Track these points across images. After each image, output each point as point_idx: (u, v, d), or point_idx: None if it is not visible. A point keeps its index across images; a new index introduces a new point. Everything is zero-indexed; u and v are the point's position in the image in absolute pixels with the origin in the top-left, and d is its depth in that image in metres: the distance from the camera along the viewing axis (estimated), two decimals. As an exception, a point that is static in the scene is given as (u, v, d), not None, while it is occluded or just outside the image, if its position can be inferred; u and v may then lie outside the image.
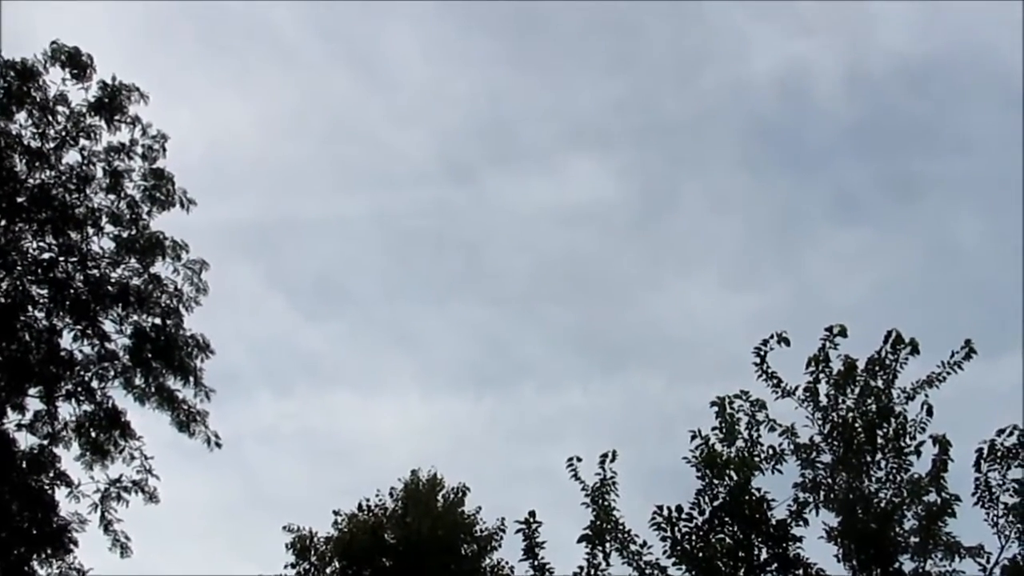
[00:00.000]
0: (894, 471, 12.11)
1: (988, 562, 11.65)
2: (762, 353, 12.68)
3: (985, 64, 41.55)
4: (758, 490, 11.94)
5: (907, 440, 12.20)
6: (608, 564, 11.80)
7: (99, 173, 18.29)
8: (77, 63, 18.00)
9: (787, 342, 12.65)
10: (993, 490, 11.82)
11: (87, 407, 18.18)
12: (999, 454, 11.83)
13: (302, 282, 43.93)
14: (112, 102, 18.13)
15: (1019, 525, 11.65)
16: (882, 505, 11.99)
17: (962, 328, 12.67)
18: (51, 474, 17.89)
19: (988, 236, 40.94)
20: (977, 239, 40.87)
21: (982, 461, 11.89)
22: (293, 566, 22.53)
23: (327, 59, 44.90)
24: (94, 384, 18.24)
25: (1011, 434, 11.81)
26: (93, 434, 18.12)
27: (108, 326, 18.26)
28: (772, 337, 12.66)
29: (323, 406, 37.76)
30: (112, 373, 18.27)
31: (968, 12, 40.09)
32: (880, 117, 43.08)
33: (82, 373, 18.17)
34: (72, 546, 17.93)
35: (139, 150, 18.42)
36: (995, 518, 11.78)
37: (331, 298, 44.28)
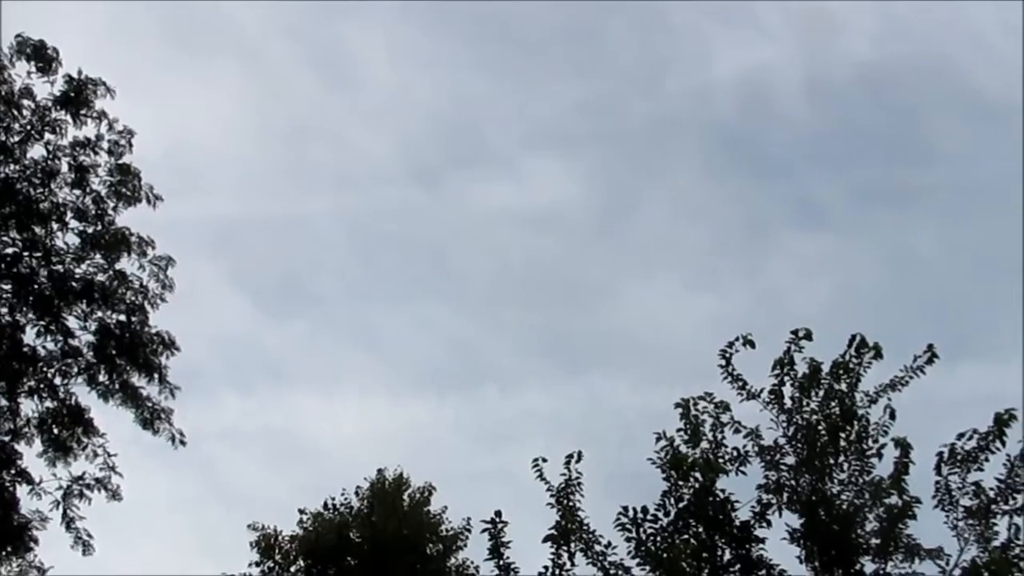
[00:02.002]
0: (856, 473, 12.23)
1: (948, 564, 11.78)
2: (728, 355, 12.76)
3: (945, 73, 42.10)
4: (722, 491, 12.05)
5: (869, 443, 12.32)
6: (573, 564, 11.86)
7: (64, 168, 18.12)
8: (43, 56, 17.81)
9: (752, 344, 12.75)
10: (953, 493, 11.95)
11: (50, 404, 18.02)
12: (959, 458, 11.97)
13: (266, 281, 43.76)
14: (78, 96, 17.96)
15: (978, 528, 11.79)
16: (844, 507, 12.10)
17: (920, 335, 12.85)
18: (12, 471, 17.71)
19: (947, 245, 41.48)
20: (936, 248, 41.39)
21: (942, 464, 12.03)
22: (258, 564, 22.47)
23: (292, 59, 44.75)
24: (57, 381, 18.08)
25: (971, 438, 11.96)
26: (56, 431, 17.96)
27: (72, 322, 18.13)
28: (737, 339, 12.75)
29: (286, 405, 37.64)
30: (76, 370, 18.11)
31: (929, 21, 40.66)
32: (842, 124, 43.56)
33: (45, 369, 18.00)
34: (33, 544, 17.80)
35: (105, 145, 18.25)
36: (955, 521, 11.92)
37: (294, 298, 44.14)
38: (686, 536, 11.90)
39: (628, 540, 11.88)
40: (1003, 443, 11.85)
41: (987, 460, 11.92)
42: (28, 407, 17.91)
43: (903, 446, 12.12)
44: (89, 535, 17.73)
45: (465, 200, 44.69)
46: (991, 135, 41.67)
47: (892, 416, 12.36)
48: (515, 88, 46.25)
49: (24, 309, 17.85)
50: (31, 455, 17.89)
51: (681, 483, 12.02)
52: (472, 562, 22.54)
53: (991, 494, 11.81)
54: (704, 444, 12.38)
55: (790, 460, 12.33)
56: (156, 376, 18.27)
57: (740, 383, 12.72)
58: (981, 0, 38.22)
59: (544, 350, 43.77)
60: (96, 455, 18.03)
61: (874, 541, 11.95)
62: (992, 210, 40.43)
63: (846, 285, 40.85)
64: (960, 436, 12.00)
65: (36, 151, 17.98)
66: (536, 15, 40.85)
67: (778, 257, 43.06)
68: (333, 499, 23.10)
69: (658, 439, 12.37)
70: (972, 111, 41.42)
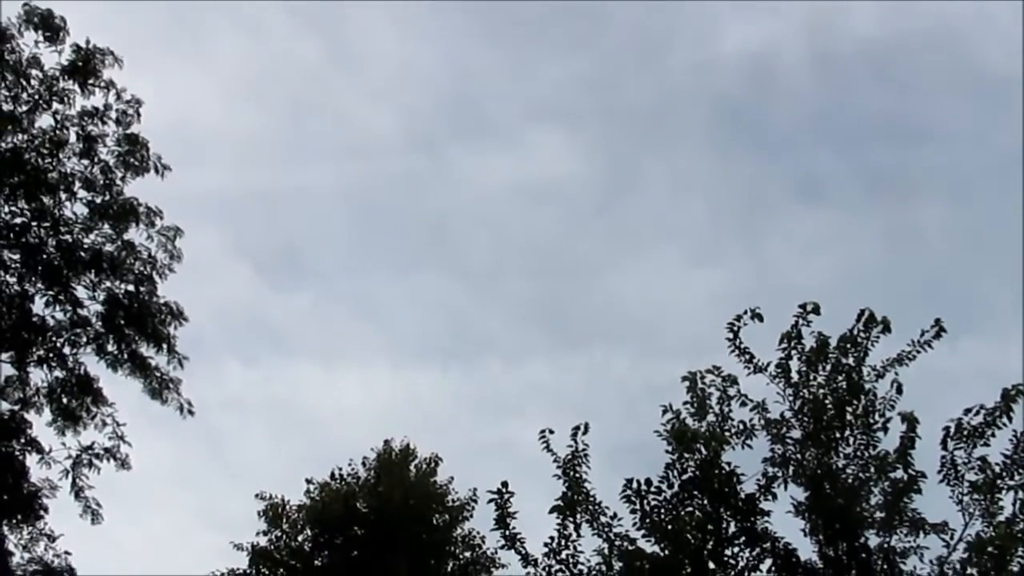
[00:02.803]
0: (862, 447, 12.24)
1: (952, 538, 11.82)
2: (735, 329, 12.77)
3: (950, 49, 41.78)
4: (728, 464, 12.08)
5: (876, 417, 12.33)
6: (579, 535, 11.91)
7: (72, 138, 18.10)
8: (50, 26, 17.75)
9: (760, 318, 12.74)
10: (959, 468, 11.96)
11: (59, 373, 18.10)
12: (965, 433, 11.98)
13: (268, 252, 43.83)
14: (86, 66, 17.90)
15: (983, 503, 11.82)
16: (849, 481, 12.13)
17: (922, 311, 12.84)
18: (22, 440, 17.82)
19: (950, 221, 41.33)
20: (939, 224, 41.24)
21: (948, 439, 12.04)
22: (265, 533, 22.63)
23: (294, 30, 44.54)
24: (66, 350, 18.15)
25: (977, 413, 11.96)
26: (65, 400, 18.05)
27: (81, 292, 18.16)
28: (745, 313, 12.76)
29: (289, 376, 37.80)
30: (84, 339, 18.17)
31: (936, -1, 40.31)
32: (846, 101, 43.32)
33: (54, 339, 18.06)
34: (42, 512, 17.92)
35: (113, 115, 18.22)
36: (960, 495, 11.93)
37: (297, 269, 44.27)
38: (691, 508, 11.95)
39: (633, 512, 11.94)
40: (1010, 419, 11.85)
41: (993, 435, 11.92)
42: (37, 376, 18.03)
43: (909, 421, 12.12)
44: (98, 504, 17.90)
45: (467, 173, 44.66)
46: (996, 112, 41.60)
47: (899, 391, 12.37)
48: (517, 61, 46.10)
49: (33, 279, 17.89)
50: (40, 424, 18.03)
51: (687, 456, 12.05)
52: (479, 532, 22.72)
53: (997, 469, 11.82)
54: (710, 417, 12.42)
55: (796, 434, 12.35)
56: (164, 346, 18.33)
57: (747, 356, 12.73)
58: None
59: (545, 323, 43.89)
60: (105, 424, 18.15)
61: (879, 515, 11.98)
62: (995, 187, 40.41)
63: (848, 261, 40.83)
64: (967, 411, 12.00)
65: (44, 121, 17.99)
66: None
67: (780, 233, 43.01)
68: (340, 469, 23.25)
69: (664, 412, 12.41)
70: (977, 88, 41.25)
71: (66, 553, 18.15)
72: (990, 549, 11.34)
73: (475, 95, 45.05)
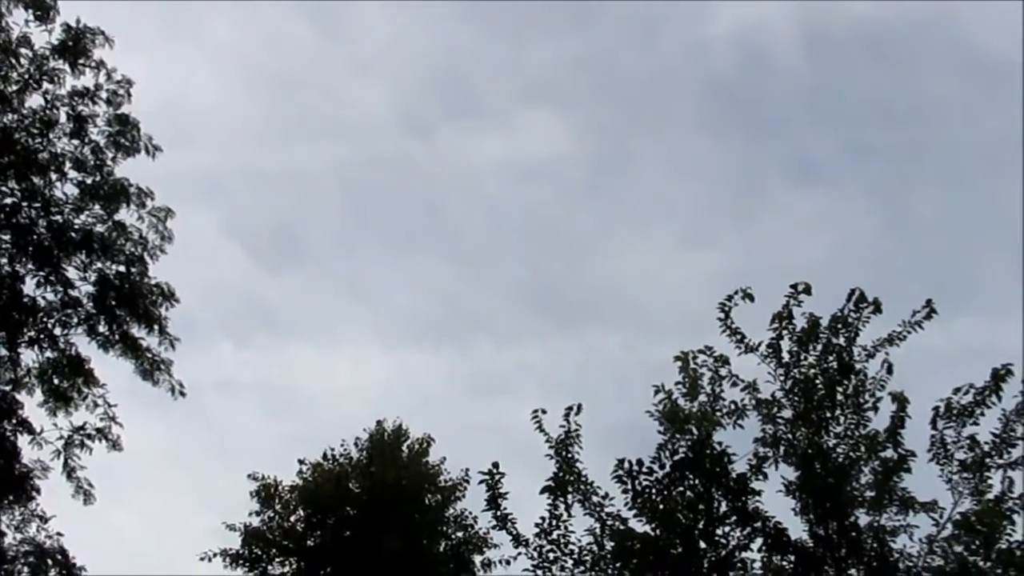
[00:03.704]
0: (852, 427, 12.29)
1: (941, 517, 11.89)
2: (726, 309, 12.78)
3: (943, 30, 41.77)
4: (719, 444, 12.14)
5: (866, 397, 12.38)
6: (570, 515, 11.96)
7: (63, 118, 17.98)
8: (40, 5, 17.61)
9: (751, 298, 12.76)
10: (948, 447, 12.04)
11: (50, 354, 18.05)
12: (955, 412, 12.04)
13: (260, 232, 43.73)
14: (76, 45, 17.77)
15: (972, 481, 11.89)
16: (840, 460, 12.18)
17: (915, 291, 12.87)
18: (13, 421, 17.80)
19: (943, 202, 41.41)
20: (932, 205, 41.33)
21: (938, 419, 12.11)
22: (257, 514, 22.68)
23: (285, 9, 44.30)
24: (57, 331, 18.09)
25: (967, 393, 12.03)
26: (56, 381, 18.02)
27: (72, 273, 18.09)
28: (737, 293, 12.77)
29: (280, 356, 37.78)
30: (75, 320, 18.12)
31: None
32: (839, 81, 43.31)
33: (45, 320, 18.01)
34: (34, 493, 17.92)
35: (103, 95, 18.09)
36: (949, 474, 12.02)
37: (288, 249, 44.18)
38: (682, 488, 12.00)
39: (625, 492, 11.99)
40: (999, 398, 11.93)
41: (983, 414, 12.00)
42: (28, 357, 17.97)
43: (900, 400, 12.18)
44: (90, 484, 17.87)
45: (459, 153, 44.59)
46: (987, 93, 41.65)
47: (889, 371, 12.41)
48: (510, 41, 45.96)
49: (23, 259, 17.82)
50: (32, 405, 17.99)
51: (678, 436, 12.09)
52: (470, 512, 22.78)
53: (986, 448, 11.90)
54: (702, 397, 12.45)
55: (787, 414, 12.40)
56: (156, 327, 18.29)
57: (738, 336, 12.75)
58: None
59: (537, 303, 43.94)
60: (96, 405, 18.11)
61: (869, 494, 12.05)
62: (988, 168, 40.48)
63: (842, 241, 40.89)
64: (956, 391, 12.07)
65: (34, 100, 17.85)
66: (531, -33, 40.39)
67: (773, 213, 43.04)
68: (333, 450, 23.28)
69: (656, 392, 12.44)
70: (969, 69, 41.29)
71: (58, 534, 18.19)
72: (979, 527, 11.42)
73: (467, 75, 45.04)
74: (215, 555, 22.03)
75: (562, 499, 11.95)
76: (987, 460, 11.87)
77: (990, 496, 11.75)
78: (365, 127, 43.94)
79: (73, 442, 17.87)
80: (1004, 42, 39.63)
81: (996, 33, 41.17)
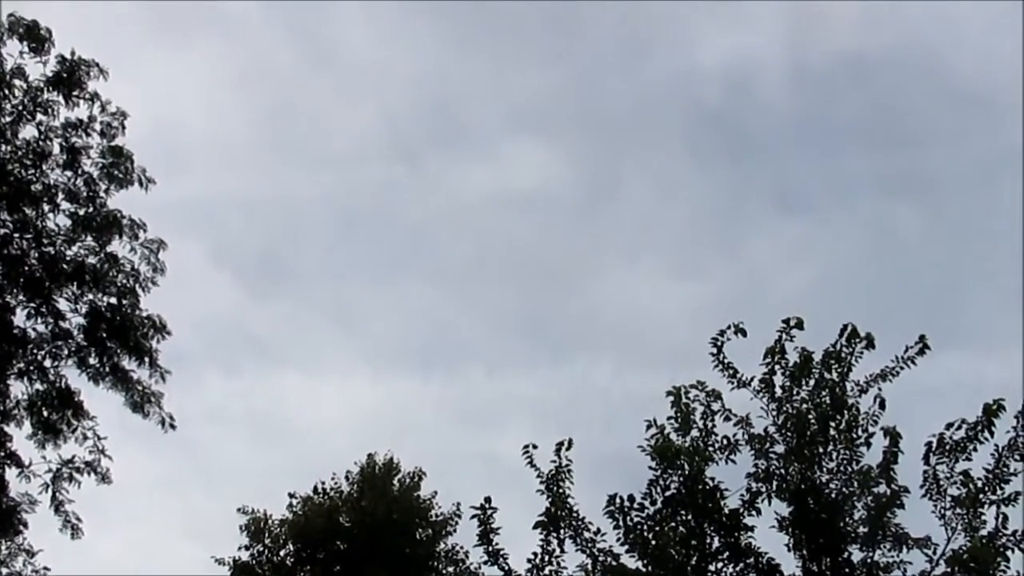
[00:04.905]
0: (845, 462, 12.27)
1: (935, 553, 11.84)
2: (719, 343, 12.79)
3: (925, 61, 42.23)
4: (711, 479, 12.09)
5: (859, 432, 12.36)
6: (562, 551, 11.89)
7: (56, 149, 18.01)
8: (35, 36, 17.68)
9: (744, 333, 12.77)
10: (941, 483, 12.00)
11: (40, 386, 17.96)
12: (947, 447, 12.02)
13: (248, 260, 43.71)
14: (71, 77, 17.84)
15: (966, 517, 11.85)
16: (833, 496, 12.14)
17: (901, 321, 12.89)
18: (2, 454, 17.68)
19: (929, 230, 41.68)
20: (917, 233, 41.56)
21: (931, 454, 12.08)
22: (247, 548, 22.51)
23: (272, 35, 44.56)
24: (47, 363, 18.01)
25: (959, 428, 12.01)
26: (45, 413, 17.91)
27: (63, 304, 18.04)
28: (729, 327, 12.78)
29: (269, 386, 37.66)
30: (66, 352, 18.06)
31: (909, 10, 40.87)
32: (824, 111, 43.71)
33: (35, 351, 17.94)
34: (22, 527, 17.77)
35: (97, 127, 18.14)
36: (942, 510, 11.97)
37: (277, 277, 44.16)
38: (674, 524, 11.94)
39: (616, 528, 11.93)
40: (991, 433, 11.91)
41: (975, 450, 11.97)
42: (18, 389, 17.87)
43: (892, 436, 12.16)
44: (78, 518, 17.74)
45: (447, 181, 44.73)
46: (971, 122, 42.15)
47: (882, 406, 12.40)
48: (497, 68, 46.23)
49: (15, 291, 17.77)
50: (20, 437, 17.87)
51: (670, 471, 12.05)
52: (462, 547, 22.64)
53: (979, 483, 11.86)
54: (694, 432, 12.42)
55: (780, 449, 12.37)
56: (147, 360, 18.22)
57: (731, 371, 12.74)
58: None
59: (526, 332, 43.93)
60: (86, 438, 18.00)
61: (862, 530, 12.00)
62: (970, 196, 40.82)
63: (827, 270, 41.06)
64: (949, 426, 12.05)
65: (28, 132, 17.87)
66: (518, -5, 40.73)
67: (760, 241, 43.21)
68: (323, 483, 23.16)
69: (648, 427, 12.41)
70: (952, 98, 41.73)
71: (45, 569, 18.01)
72: (972, 564, 11.36)
73: (456, 102, 45.24)
74: (204, 590, 21.84)
75: (554, 534, 11.88)
76: (980, 496, 11.83)
77: (984, 532, 11.70)
78: (353, 154, 44.14)
79: (62, 475, 17.74)
80: (981, 71, 40.31)
81: (973, 62, 41.80)
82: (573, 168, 45.53)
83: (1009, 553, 11.52)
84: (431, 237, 45.37)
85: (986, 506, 11.82)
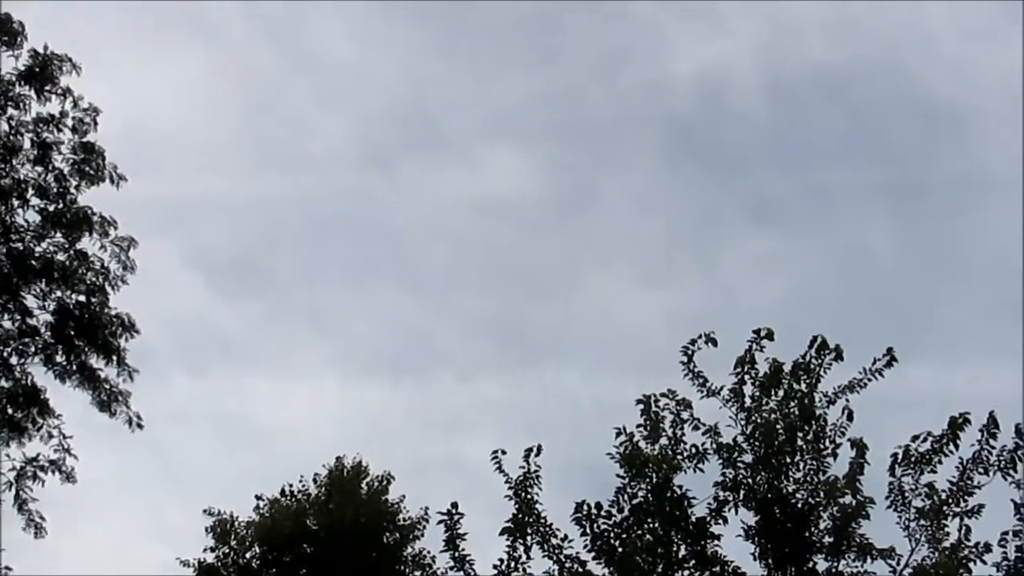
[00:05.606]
0: (812, 473, 12.34)
1: (899, 564, 11.94)
2: (690, 353, 12.84)
3: (897, 75, 42.65)
4: (679, 488, 12.13)
5: (826, 443, 12.44)
6: (529, 557, 11.89)
7: (27, 144, 17.84)
8: (7, 30, 17.51)
9: (715, 342, 12.83)
10: (906, 494, 12.10)
11: (5, 383, 17.75)
12: (913, 460, 12.12)
13: (220, 261, 43.39)
14: (43, 72, 17.67)
15: (929, 529, 11.95)
16: (799, 505, 12.22)
17: (873, 333, 13.01)
18: (-36, 451, 17.50)
19: (900, 244, 42.06)
20: (889, 247, 41.94)
21: (896, 466, 12.19)
22: (212, 550, 22.35)
23: (249, 36, 44.36)
24: (13, 360, 17.83)
25: (925, 440, 12.12)
26: (10, 411, 17.73)
27: (30, 301, 17.85)
28: (700, 337, 12.83)
29: (238, 388, 37.41)
30: (33, 349, 17.88)
31: (883, 24, 41.37)
32: (797, 123, 44.06)
33: (1, 349, 17.76)
34: (-17, 526, 17.58)
35: (69, 122, 17.96)
36: (907, 521, 12.08)
37: (248, 279, 43.88)
38: (641, 531, 11.97)
39: (584, 535, 11.95)
40: (956, 446, 12.02)
41: (940, 462, 12.08)
42: (-18, 386, 17.69)
43: (859, 447, 12.25)
44: (42, 517, 17.55)
45: (422, 186, 44.62)
46: (943, 136, 42.60)
47: (850, 417, 12.49)
48: (474, 76, 46.20)
49: (-19, 287, 17.60)
50: (-17, 435, 17.66)
51: (638, 480, 12.08)
52: (429, 552, 22.59)
53: (943, 496, 11.97)
54: (663, 440, 12.45)
55: (748, 458, 12.43)
56: (115, 358, 18.07)
57: (701, 380, 12.80)
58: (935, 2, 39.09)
59: (499, 338, 43.89)
60: (51, 436, 17.82)
61: (827, 540, 12.07)
62: (943, 211, 41.25)
63: (798, 282, 41.32)
64: (915, 438, 12.15)
65: (-2, 126, 17.72)
66: (495, 3, 40.80)
67: (733, 252, 43.38)
68: (291, 486, 23.03)
69: (618, 434, 12.43)
70: (925, 112, 42.18)
71: (7, 568, 17.80)
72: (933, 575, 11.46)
73: (432, 108, 45.12)
74: (168, 591, 21.68)
75: (521, 541, 11.88)
76: (944, 508, 11.94)
77: (947, 544, 11.81)
78: (328, 158, 43.93)
79: (26, 474, 17.56)
80: (951, 85, 40.83)
81: (943, 77, 42.37)
82: (549, 176, 45.64)
83: (972, 565, 11.63)
84: (406, 242, 45.33)
85: (950, 518, 11.93)
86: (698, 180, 45.99)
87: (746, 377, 12.69)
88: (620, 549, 11.82)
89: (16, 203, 17.78)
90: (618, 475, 12.16)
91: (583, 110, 44.49)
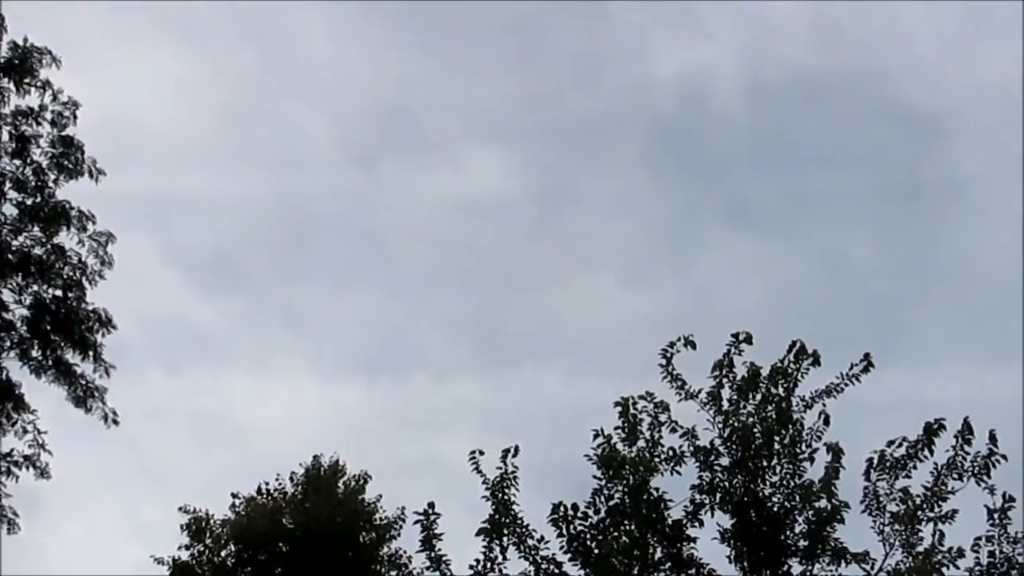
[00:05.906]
0: (788, 476, 12.39)
1: (873, 568, 12.01)
2: (668, 355, 12.87)
3: (877, 81, 42.94)
4: (656, 490, 12.15)
5: (803, 447, 12.49)
6: (505, 558, 11.89)
7: (5, 136, 17.77)
8: (-13, 22, 17.44)
9: (693, 346, 12.85)
10: (881, 499, 12.18)
11: (-21, 378, 17.67)
12: (888, 464, 12.19)
13: (199, 258, 43.18)
14: (23, 64, 17.60)
15: (904, 534, 12.02)
16: (775, 509, 12.26)
17: (850, 338, 13.08)
18: (-62, 445, 17.37)
19: (878, 249, 42.31)
20: (867, 252, 42.18)
21: (872, 470, 12.25)
22: (187, 548, 22.24)
23: (230, 33, 44.19)
24: (-12, 354, 17.73)
25: (900, 445, 12.19)
26: (-16, 406, 17.63)
27: (6, 295, 17.80)
28: (679, 340, 12.86)
29: (215, 385, 37.25)
30: (8, 344, 17.78)
31: (864, 29, 41.66)
32: (777, 128, 44.24)
33: (-24, 342, 17.65)
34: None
35: (48, 116, 17.91)
36: (881, 526, 12.14)
37: (226, 277, 43.69)
38: (617, 533, 11.98)
39: (560, 536, 11.95)
40: (931, 451, 12.10)
41: (915, 467, 12.16)
42: (-44, 380, 17.56)
43: (835, 451, 12.31)
44: (15, 513, 17.49)
45: (403, 186, 44.61)
46: (919, 142, 42.97)
47: (826, 422, 12.53)
48: (456, 76, 46.19)
49: (-43, 280, 17.47)
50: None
51: (614, 481, 12.10)
52: (405, 551, 22.55)
53: (917, 500, 12.04)
54: (641, 443, 12.47)
55: (724, 461, 12.46)
56: (91, 354, 17.99)
57: (679, 383, 12.82)
58: (914, 4, 39.38)
59: (477, 339, 43.87)
60: (25, 432, 17.74)
61: (802, 543, 12.12)
62: (921, 215, 41.58)
63: (777, 287, 41.49)
64: (890, 443, 12.22)
65: (-25, 119, 17.61)
66: (478, 4, 40.82)
67: (712, 255, 43.53)
68: (267, 484, 22.94)
69: (595, 436, 12.44)
70: (902, 118, 42.43)
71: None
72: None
73: (413, 108, 45.07)
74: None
75: (497, 541, 11.87)
76: (918, 513, 12.01)
77: (921, 549, 11.88)
78: (309, 156, 43.84)
79: (0, 469, 17.45)
80: (929, 92, 41.16)
81: (922, 84, 42.71)
82: (530, 177, 45.69)
83: (945, 570, 11.72)
84: (385, 242, 45.26)
85: (924, 523, 12.00)
86: (678, 183, 46.19)
87: (724, 380, 12.72)
88: (596, 550, 11.82)
89: (-7, 196, 17.67)
90: (595, 477, 12.18)
91: (565, 112, 44.61)
